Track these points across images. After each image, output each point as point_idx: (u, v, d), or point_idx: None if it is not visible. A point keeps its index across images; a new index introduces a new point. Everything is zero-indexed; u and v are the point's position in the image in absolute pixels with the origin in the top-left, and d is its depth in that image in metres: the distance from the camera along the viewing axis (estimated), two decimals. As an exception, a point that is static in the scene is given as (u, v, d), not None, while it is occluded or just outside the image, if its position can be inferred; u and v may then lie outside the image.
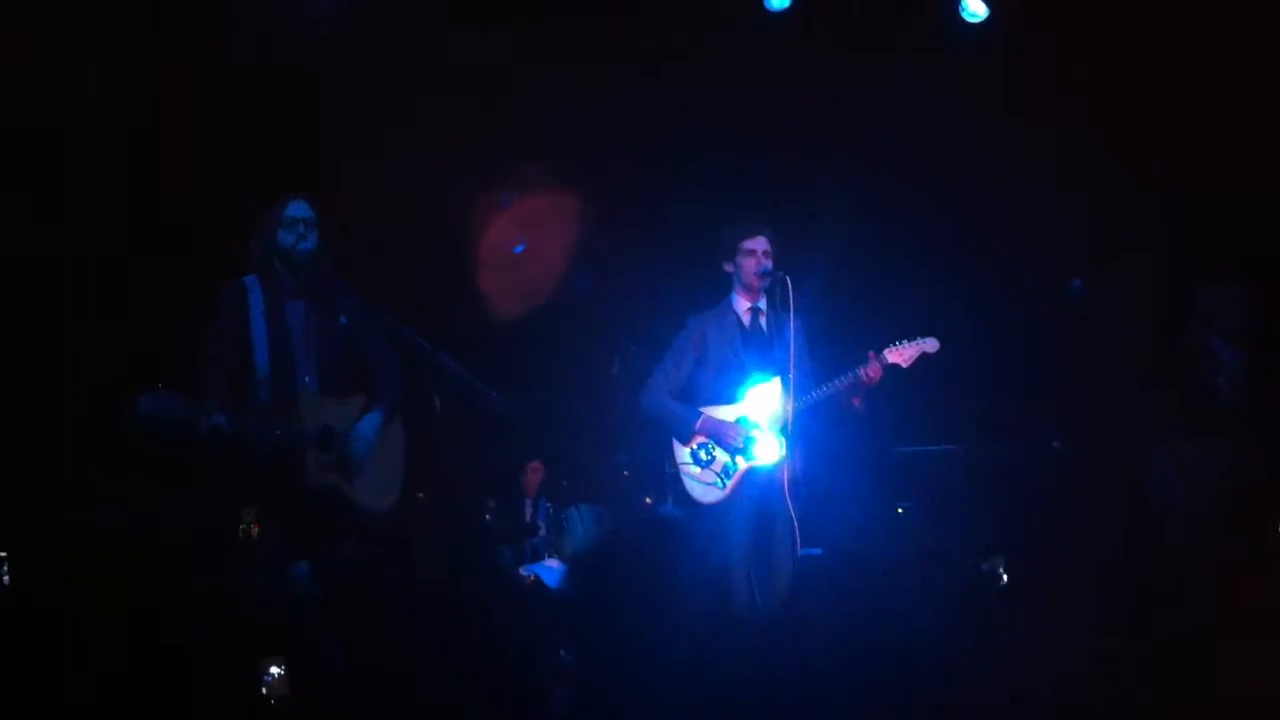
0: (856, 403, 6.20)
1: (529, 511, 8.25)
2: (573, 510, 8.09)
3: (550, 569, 7.74)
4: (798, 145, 8.14)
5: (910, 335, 6.16)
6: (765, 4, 7.96)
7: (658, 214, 7.98)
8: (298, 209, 5.46)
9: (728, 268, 6.29)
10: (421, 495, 7.07)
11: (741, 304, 6.29)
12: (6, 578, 5.43)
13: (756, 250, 6.20)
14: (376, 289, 5.80)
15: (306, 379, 5.45)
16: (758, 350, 6.22)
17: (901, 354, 6.14)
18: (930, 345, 6.16)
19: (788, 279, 6.09)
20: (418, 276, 7.62)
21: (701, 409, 6.19)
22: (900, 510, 7.77)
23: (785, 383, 6.04)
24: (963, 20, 7.89)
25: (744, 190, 7.87)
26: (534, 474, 8.39)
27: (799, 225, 7.33)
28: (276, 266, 5.48)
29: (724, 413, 6.17)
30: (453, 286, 7.91)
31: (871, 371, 6.09)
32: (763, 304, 6.27)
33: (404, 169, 7.69)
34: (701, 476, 6.16)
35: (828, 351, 6.36)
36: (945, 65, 7.89)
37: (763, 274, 6.17)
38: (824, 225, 7.85)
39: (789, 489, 6.06)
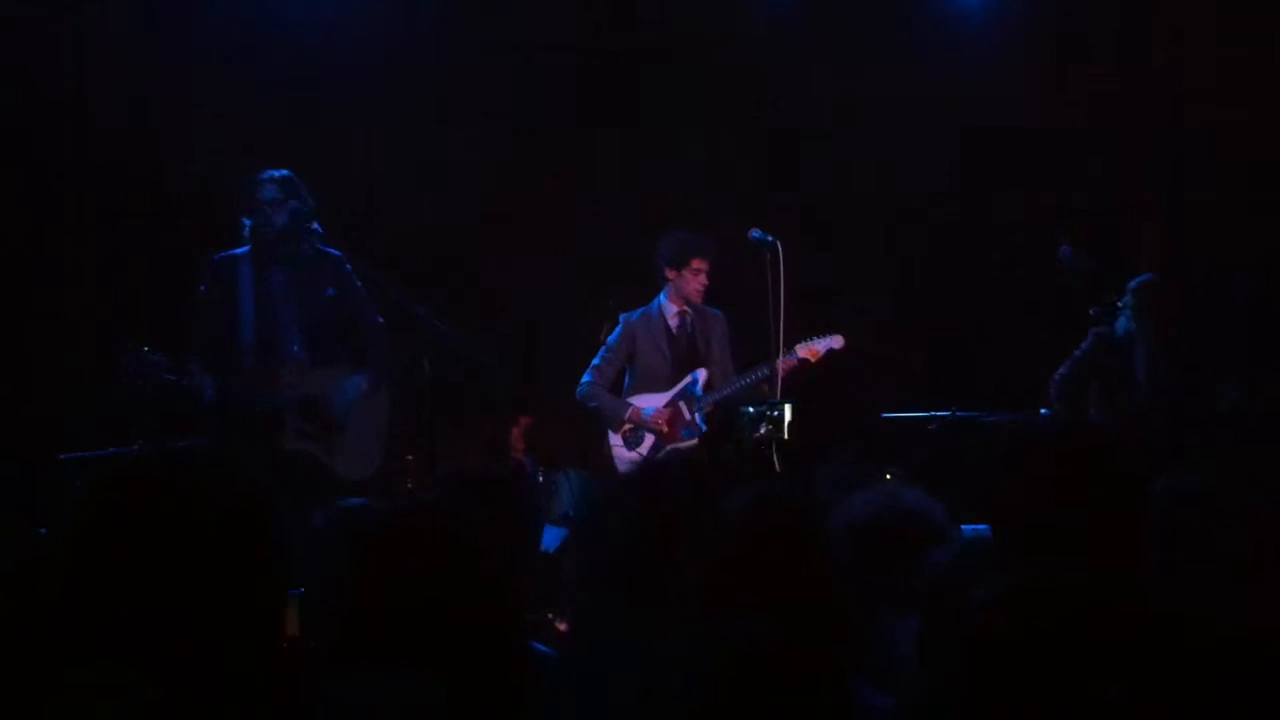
0: (766, 390, 6.69)
1: (531, 471, 8.23)
2: (561, 475, 8.09)
3: (548, 531, 7.74)
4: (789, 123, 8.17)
5: (820, 332, 6.80)
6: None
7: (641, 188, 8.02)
8: (269, 190, 5.54)
9: (669, 274, 6.84)
10: (411, 457, 7.09)
11: (671, 309, 6.92)
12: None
13: (704, 270, 6.79)
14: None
15: (295, 348, 5.54)
16: (683, 349, 6.91)
17: (810, 349, 6.77)
18: (836, 342, 6.79)
19: (778, 244, 6.59)
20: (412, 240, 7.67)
21: (630, 399, 6.90)
22: (888, 476, 7.76)
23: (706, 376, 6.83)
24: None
25: (731, 171, 8.04)
26: (518, 434, 8.35)
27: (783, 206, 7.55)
28: (261, 239, 5.55)
29: (650, 402, 6.87)
30: (451, 252, 7.95)
31: (785, 367, 6.66)
32: (691, 309, 6.89)
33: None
34: (629, 456, 6.87)
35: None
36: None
37: (702, 293, 6.81)
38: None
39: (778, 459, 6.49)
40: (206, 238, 6.01)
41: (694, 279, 6.81)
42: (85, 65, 7.28)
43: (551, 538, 7.75)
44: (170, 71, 7.37)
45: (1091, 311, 6.75)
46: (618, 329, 7.00)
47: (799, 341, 6.77)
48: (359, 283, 5.67)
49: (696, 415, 6.84)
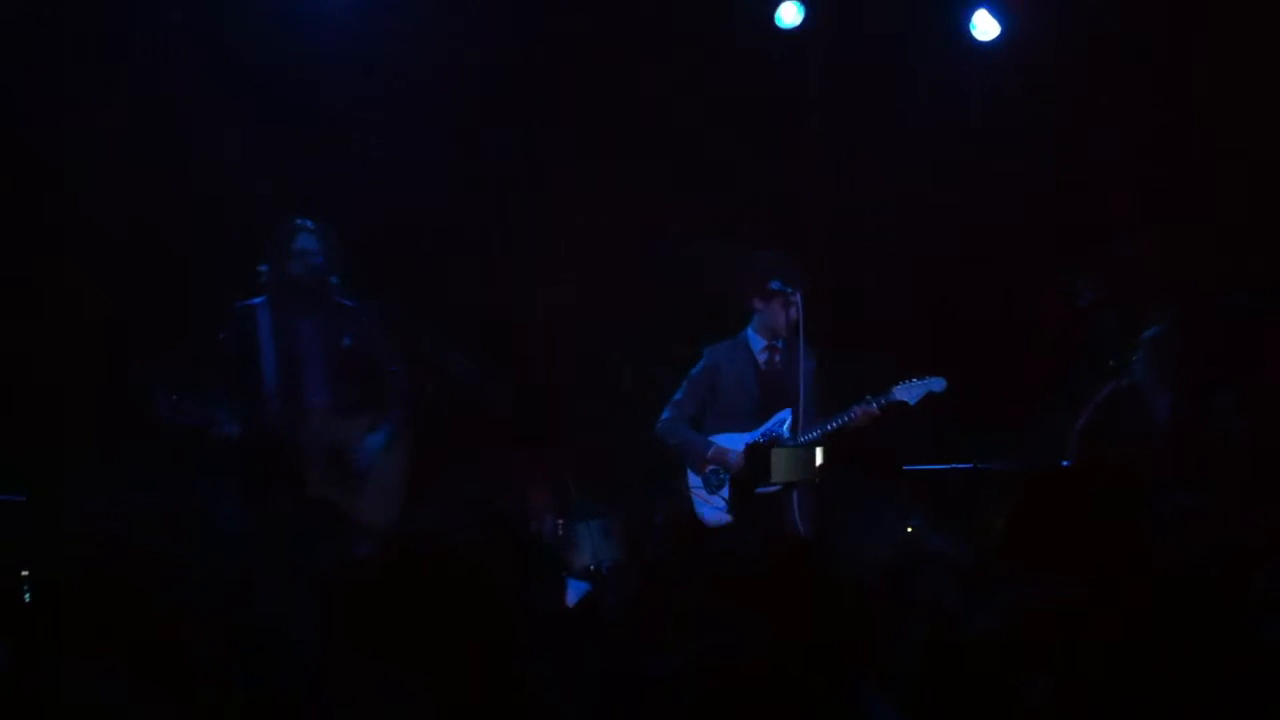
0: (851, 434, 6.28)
1: (549, 526, 8.20)
2: (581, 525, 8.04)
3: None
4: (809, 166, 8.15)
5: (921, 374, 6.34)
6: (775, 22, 7.97)
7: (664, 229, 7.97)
8: (306, 240, 5.64)
9: (756, 305, 6.42)
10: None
11: (759, 342, 6.48)
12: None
13: (795, 303, 6.28)
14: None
15: (317, 397, 5.61)
16: (771, 387, 6.41)
17: (909, 391, 6.30)
18: (937, 385, 6.34)
19: (799, 298, 6.24)
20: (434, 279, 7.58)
21: (713, 438, 6.41)
22: (910, 529, 7.72)
23: (794, 417, 6.30)
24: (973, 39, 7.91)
25: (756, 208, 7.88)
26: (535, 485, 8.31)
27: (817, 247, 7.43)
28: (285, 289, 5.61)
29: (735, 442, 6.37)
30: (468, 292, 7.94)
31: (881, 409, 6.25)
32: (780, 343, 6.41)
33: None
34: (712, 501, 6.39)
35: (841, 378, 6.53)
36: (956, 84, 7.92)
37: (790, 324, 6.27)
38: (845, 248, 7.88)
39: (799, 510, 6.24)
40: (229, 280, 6.02)
41: (783, 312, 6.33)
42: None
43: (572, 592, 7.71)
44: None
45: (1110, 361, 6.73)
46: (701, 361, 6.54)
47: (898, 382, 6.31)
48: (374, 333, 5.74)
49: (787, 442, 6.30)
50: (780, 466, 6.09)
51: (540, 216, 8.09)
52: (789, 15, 7.92)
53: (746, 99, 8.03)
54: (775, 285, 6.32)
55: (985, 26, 7.90)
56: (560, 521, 8.27)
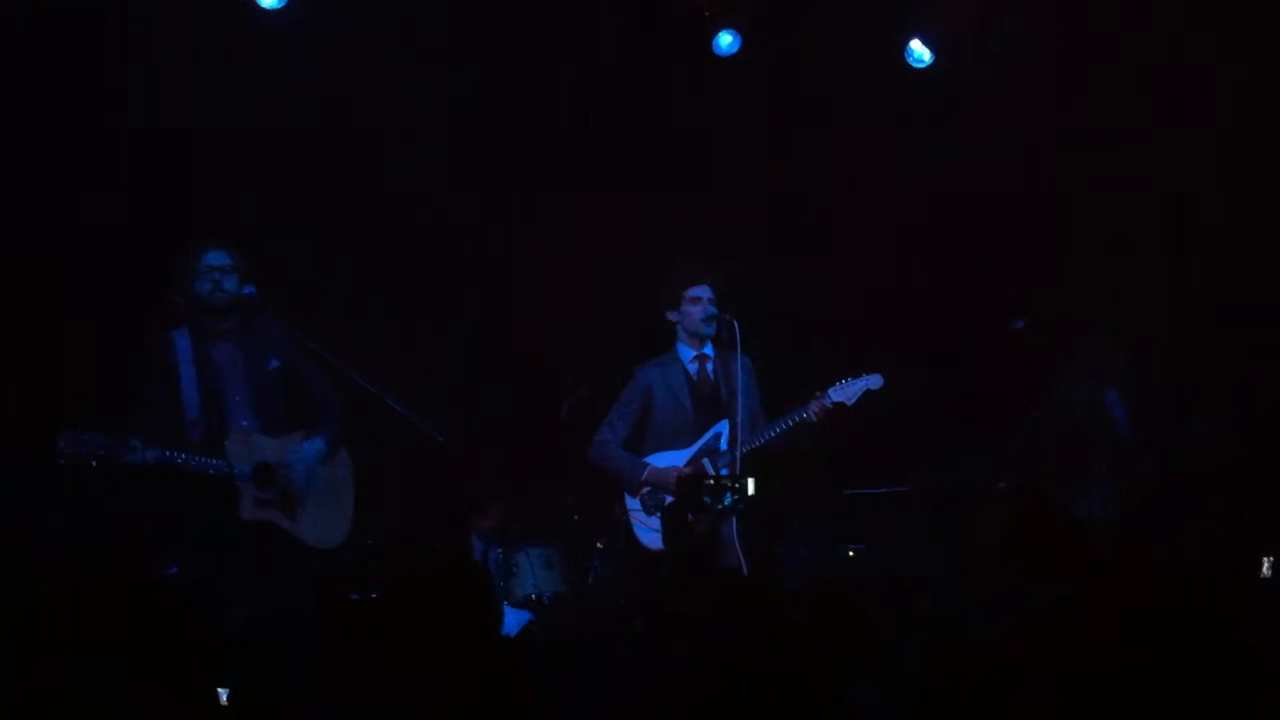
0: (807, 442, 6.16)
1: (477, 551, 8.14)
2: (522, 554, 7.97)
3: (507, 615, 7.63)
4: (741, 182, 8.16)
5: (856, 372, 6.11)
6: (714, 48, 8.01)
7: (609, 252, 7.96)
8: (214, 257, 5.49)
9: (672, 316, 6.28)
10: (371, 541, 7.00)
11: (687, 353, 6.30)
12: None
13: (701, 299, 6.20)
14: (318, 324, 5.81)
15: (244, 421, 5.45)
16: (705, 399, 6.22)
17: (845, 390, 6.08)
18: (874, 381, 6.10)
19: (734, 322, 6.11)
20: (366, 309, 7.54)
21: (648, 459, 6.21)
22: (850, 554, 7.73)
23: (731, 429, 6.06)
24: (908, 64, 7.98)
25: (688, 231, 7.89)
26: (479, 516, 8.28)
27: (746, 261, 7.40)
28: (200, 313, 5.47)
29: (672, 460, 6.19)
30: (407, 319, 7.89)
31: (819, 412, 6.02)
32: (709, 350, 6.27)
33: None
34: (650, 523, 6.17)
35: (777, 391, 6.37)
36: (891, 105, 7.98)
37: (707, 320, 6.17)
38: (769, 263, 7.89)
39: (736, 530, 6.04)
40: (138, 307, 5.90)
41: (693, 309, 6.19)
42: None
43: (513, 620, 7.65)
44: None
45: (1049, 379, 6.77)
46: (631, 381, 6.34)
47: (833, 383, 6.07)
48: (300, 349, 5.59)
49: (722, 472, 6.07)
50: (714, 497, 5.90)
51: (485, 245, 8.07)
52: (726, 42, 7.97)
53: (685, 125, 8.05)
54: (682, 288, 6.22)
55: (920, 53, 7.97)
56: (501, 551, 8.21)
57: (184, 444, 5.36)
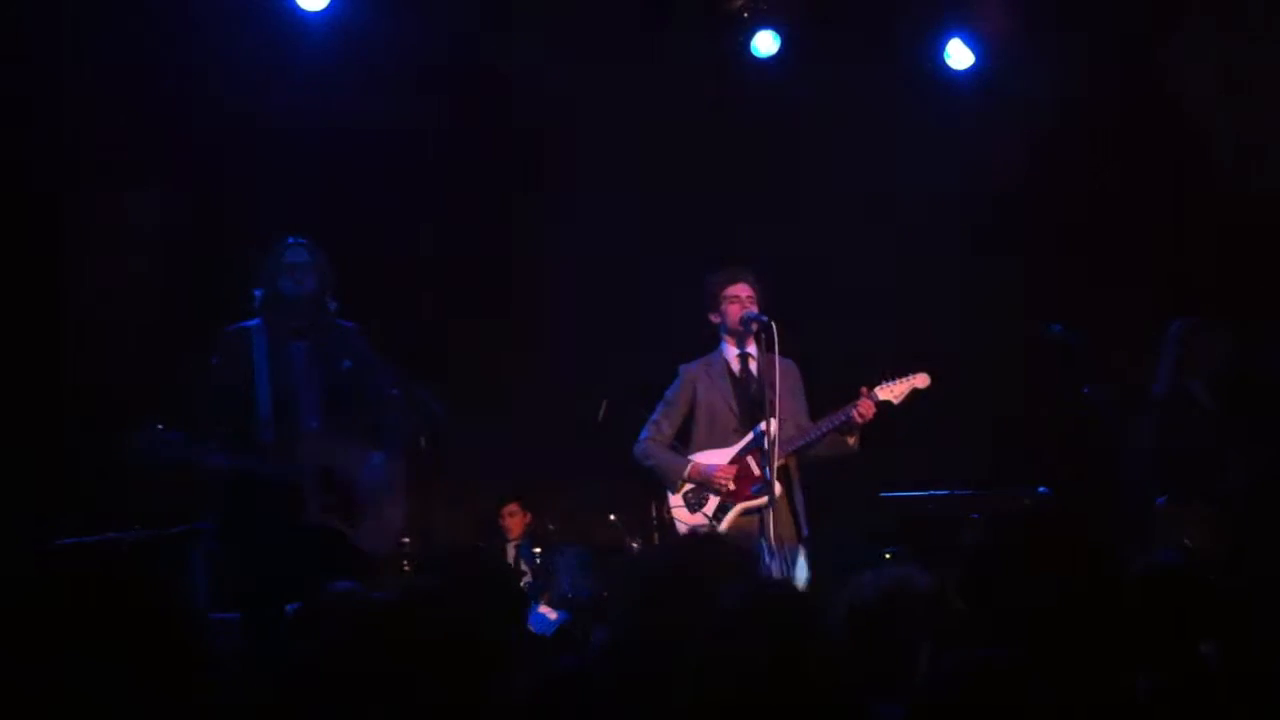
0: (851, 442, 6.22)
1: (511, 555, 8.17)
2: (558, 555, 7.99)
3: (542, 616, 7.64)
4: (785, 185, 8.17)
5: (902, 372, 6.18)
6: (751, 51, 8.02)
7: (646, 258, 7.98)
8: (295, 254, 5.50)
9: (714, 318, 6.33)
10: (407, 540, 7.03)
11: (730, 351, 6.34)
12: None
13: (740, 296, 6.26)
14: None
15: (312, 421, 5.45)
16: (749, 398, 6.23)
17: (892, 390, 6.15)
18: (921, 380, 6.18)
19: (772, 324, 6.10)
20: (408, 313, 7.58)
21: (693, 456, 6.24)
22: (887, 556, 7.71)
23: (767, 427, 6.01)
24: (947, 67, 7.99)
25: (730, 234, 7.89)
26: (511, 517, 8.29)
27: (786, 265, 7.41)
28: (279, 309, 5.49)
29: (715, 458, 6.22)
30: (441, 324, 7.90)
31: (863, 409, 6.08)
32: (752, 349, 6.29)
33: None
34: (693, 520, 6.18)
35: (823, 391, 6.39)
36: (929, 110, 7.99)
37: (747, 320, 6.21)
38: (813, 263, 7.90)
39: (774, 528, 6.02)
40: (217, 310, 5.94)
41: (732, 308, 6.26)
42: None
43: (547, 623, 7.66)
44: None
45: (1085, 390, 6.68)
46: (676, 380, 6.37)
47: (880, 382, 6.15)
48: (373, 355, 5.61)
49: (767, 470, 6.03)
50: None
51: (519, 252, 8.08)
52: (765, 44, 7.98)
53: (725, 126, 8.05)
54: (721, 287, 6.28)
55: (959, 56, 7.97)
56: (538, 551, 8.22)
57: (256, 446, 5.35)
